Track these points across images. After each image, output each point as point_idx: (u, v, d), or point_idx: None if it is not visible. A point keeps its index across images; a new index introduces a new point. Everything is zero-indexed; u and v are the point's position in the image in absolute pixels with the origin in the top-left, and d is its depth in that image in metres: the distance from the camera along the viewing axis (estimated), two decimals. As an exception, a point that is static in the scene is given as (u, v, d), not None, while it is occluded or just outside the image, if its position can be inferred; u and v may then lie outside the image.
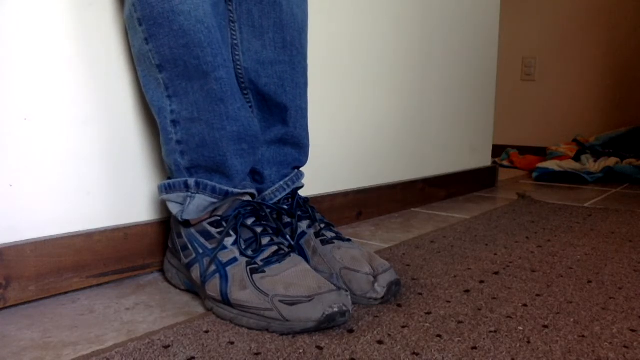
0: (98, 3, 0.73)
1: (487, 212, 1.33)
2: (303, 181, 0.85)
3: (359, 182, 1.25)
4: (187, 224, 0.73)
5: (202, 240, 0.69)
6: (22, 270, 0.66)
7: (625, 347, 0.56)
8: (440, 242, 1.01)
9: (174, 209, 0.72)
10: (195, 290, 0.71)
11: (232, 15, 0.74)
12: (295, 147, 0.82)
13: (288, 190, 0.80)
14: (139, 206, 0.80)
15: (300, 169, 0.85)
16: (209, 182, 0.69)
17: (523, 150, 2.86)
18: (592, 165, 2.18)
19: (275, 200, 0.79)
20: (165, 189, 0.73)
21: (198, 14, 0.64)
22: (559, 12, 2.80)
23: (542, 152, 2.69)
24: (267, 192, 0.79)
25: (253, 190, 0.73)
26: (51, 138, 0.70)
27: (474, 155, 1.76)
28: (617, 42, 2.67)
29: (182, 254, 0.71)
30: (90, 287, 0.74)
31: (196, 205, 0.69)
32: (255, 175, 0.80)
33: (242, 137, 0.69)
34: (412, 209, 1.40)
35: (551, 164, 2.13)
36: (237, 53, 0.75)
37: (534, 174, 2.11)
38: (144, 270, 0.80)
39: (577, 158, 2.31)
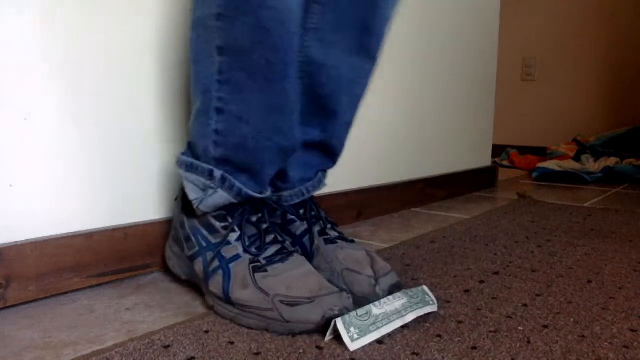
0: (99, 1, 0.73)
1: (487, 212, 1.33)
2: (326, 181, 0.80)
3: (359, 182, 1.25)
4: (191, 214, 0.71)
5: (205, 233, 0.67)
6: (22, 270, 0.66)
7: (625, 347, 0.56)
8: (440, 242, 1.01)
9: (191, 192, 0.68)
10: (196, 281, 0.71)
11: None
12: (326, 153, 0.77)
13: (307, 196, 0.77)
14: (139, 206, 0.80)
15: (325, 170, 0.80)
16: (236, 183, 0.66)
17: (523, 150, 2.86)
18: (592, 165, 2.18)
19: (291, 203, 0.77)
20: (187, 166, 0.68)
21: (284, 15, 0.58)
22: (559, 12, 2.80)
23: (542, 152, 2.69)
24: (285, 194, 0.76)
25: (270, 194, 0.71)
26: (51, 138, 0.70)
27: (474, 155, 1.76)
28: (617, 42, 2.67)
29: (185, 245, 0.70)
30: (90, 287, 0.74)
31: (215, 200, 0.67)
32: (280, 173, 0.76)
33: (284, 151, 0.66)
34: (412, 209, 1.40)
35: (551, 164, 2.13)
36: (307, 39, 0.68)
37: (534, 174, 2.11)
38: (144, 270, 0.80)
39: (577, 158, 2.32)
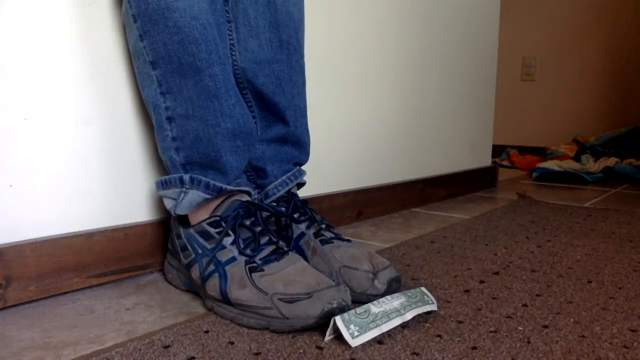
0: (98, 2, 0.73)
1: (487, 212, 1.33)
2: (305, 178, 0.86)
3: (359, 182, 1.25)
4: (186, 224, 0.73)
5: (201, 240, 0.69)
6: (22, 270, 0.66)
7: (625, 347, 0.56)
8: (440, 242, 1.01)
9: (168, 204, 0.73)
10: (196, 290, 0.71)
11: (228, 15, 0.75)
12: (296, 145, 0.82)
13: (291, 185, 0.81)
14: (138, 206, 0.80)
15: (302, 167, 0.85)
16: (203, 178, 0.69)
17: (523, 150, 2.86)
18: (592, 165, 2.18)
19: (278, 195, 0.80)
20: (161, 185, 0.73)
21: (193, 10, 0.65)
22: (559, 12, 2.80)
23: (542, 152, 2.69)
24: (269, 187, 0.80)
25: (248, 188, 0.73)
26: (51, 138, 0.70)
27: (474, 155, 1.76)
28: (616, 43, 2.67)
29: (181, 255, 0.71)
30: (90, 287, 0.74)
31: (189, 200, 0.70)
32: (259, 172, 0.81)
33: (236, 134, 0.70)
34: (412, 209, 1.40)
35: (551, 164, 2.13)
36: (234, 53, 0.76)
37: (534, 174, 2.11)
38: (144, 270, 0.80)
39: (577, 158, 2.32)
